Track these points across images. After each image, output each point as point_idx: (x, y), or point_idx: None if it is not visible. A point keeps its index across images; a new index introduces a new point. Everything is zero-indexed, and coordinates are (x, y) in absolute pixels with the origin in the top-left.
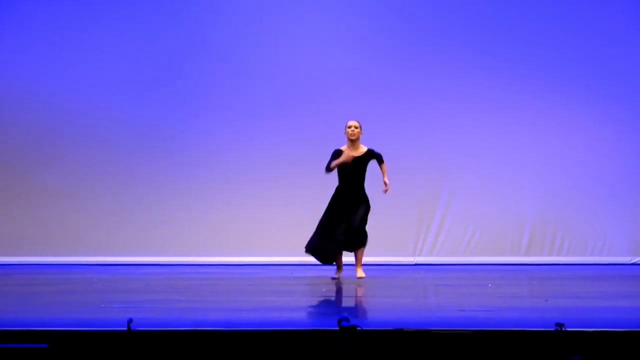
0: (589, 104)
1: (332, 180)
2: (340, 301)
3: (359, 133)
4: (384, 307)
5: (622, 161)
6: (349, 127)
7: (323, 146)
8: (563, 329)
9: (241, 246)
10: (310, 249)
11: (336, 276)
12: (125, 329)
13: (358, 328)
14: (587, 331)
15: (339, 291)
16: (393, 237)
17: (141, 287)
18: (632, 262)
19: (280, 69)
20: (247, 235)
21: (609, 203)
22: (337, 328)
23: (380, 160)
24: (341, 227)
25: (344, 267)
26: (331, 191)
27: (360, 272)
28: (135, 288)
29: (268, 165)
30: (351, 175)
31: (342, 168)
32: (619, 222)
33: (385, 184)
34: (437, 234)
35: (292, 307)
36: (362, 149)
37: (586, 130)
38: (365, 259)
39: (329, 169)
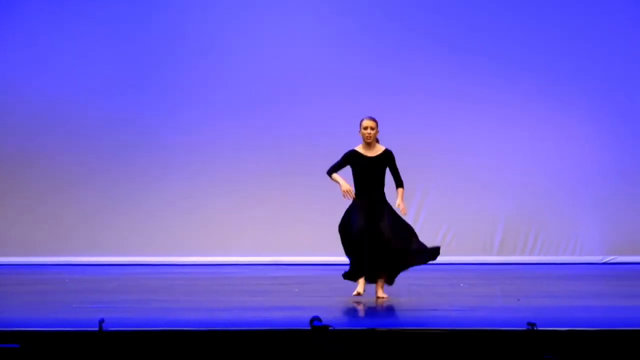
0: (565, 102)
1: (317, 182)
2: (313, 301)
3: (376, 134)
4: (356, 306)
5: (594, 161)
6: (365, 128)
7: (307, 145)
8: (535, 329)
9: (215, 246)
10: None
11: (361, 291)
12: (97, 329)
13: (330, 328)
14: (559, 330)
15: (311, 291)
16: None
17: (114, 287)
18: (603, 261)
19: (273, 66)
20: (222, 235)
21: (580, 203)
22: (309, 328)
23: (397, 181)
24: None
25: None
26: (314, 192)
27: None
28: (108, 288)
29: (246, 165)
30: (368, 180)
31: (356, 171)
32: (590, 221)
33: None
34: None
35: (266, 307)
36: (379, 148)
37: (559, 130)
38: (338, 259)
39: (330, 175)
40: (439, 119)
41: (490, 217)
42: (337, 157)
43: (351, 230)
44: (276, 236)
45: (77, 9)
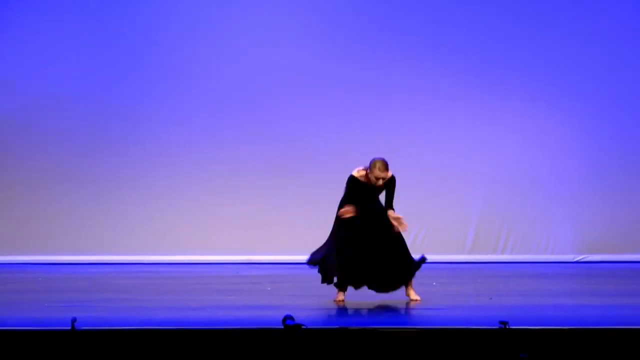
0: (538, 100)
1: (292, 181)
2: (285, 300)
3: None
4: (328, 305)
5: (566, 160)
6: (377, 178)
7: (284, 145)
8: (507, 327)
9: (188, 245)
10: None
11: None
12: (70, 328)
13: (303, 326)
14: (531, 329)
15: (283, 290)
16: None
17: (86, 286)
18: (575, 260)
19: (263, 64)
20: (195, 234)
21: (553, 201)
22: (282, 327)
23: (389, 203)
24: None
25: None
26: (287, 191)
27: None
28: (81, 287)
29: (217, 165)
30: (367, 202)
31: (353, 194)
32: (563, 220)
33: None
34: None
35: (238, 306)
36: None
37: (531, 128)
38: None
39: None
40: (409, 118)
41: (462, 216)
42: (318, 158)
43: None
44: (249, 235)
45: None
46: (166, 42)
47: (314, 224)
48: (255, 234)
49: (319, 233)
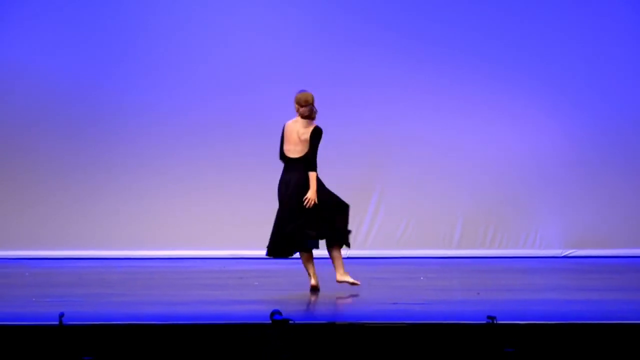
0: (525, 94)
1: (278, 175)
2: (273, 294)
3: None
4: (316, 300)
5: (554, 154)
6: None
7: (272, 140)
8: (495, 322)
9: (174, 240)
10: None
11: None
12: (57, 323)
13: (290, 321)
14: (519, 324)
15: (271, 285)
16: None
17: (74, 281)
18: (563, 255)
19: (247, 58)
20: (181, 229)
21: (540, 196)
22: (270, 321)
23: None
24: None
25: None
26: (274, 185)
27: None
28: (68, 282)
29: (204, 159)
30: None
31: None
32: (550, 215)
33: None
34: (369, 227)
35: (225, 301)
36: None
37: (518, 123)
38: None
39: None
40: (396, 112)
41: (449, 211)
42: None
43: None
44: (236, 230)
45: None
46: (151, 39)
47: None
48: (242, 228)
49: None
